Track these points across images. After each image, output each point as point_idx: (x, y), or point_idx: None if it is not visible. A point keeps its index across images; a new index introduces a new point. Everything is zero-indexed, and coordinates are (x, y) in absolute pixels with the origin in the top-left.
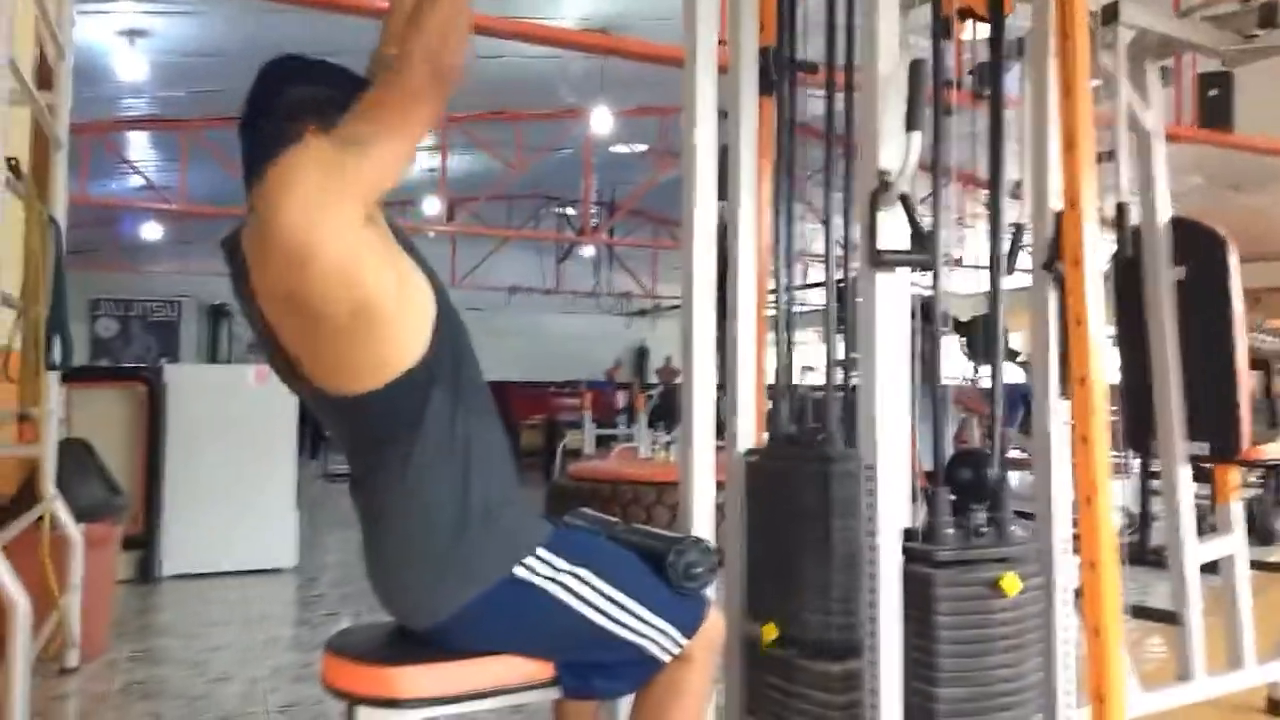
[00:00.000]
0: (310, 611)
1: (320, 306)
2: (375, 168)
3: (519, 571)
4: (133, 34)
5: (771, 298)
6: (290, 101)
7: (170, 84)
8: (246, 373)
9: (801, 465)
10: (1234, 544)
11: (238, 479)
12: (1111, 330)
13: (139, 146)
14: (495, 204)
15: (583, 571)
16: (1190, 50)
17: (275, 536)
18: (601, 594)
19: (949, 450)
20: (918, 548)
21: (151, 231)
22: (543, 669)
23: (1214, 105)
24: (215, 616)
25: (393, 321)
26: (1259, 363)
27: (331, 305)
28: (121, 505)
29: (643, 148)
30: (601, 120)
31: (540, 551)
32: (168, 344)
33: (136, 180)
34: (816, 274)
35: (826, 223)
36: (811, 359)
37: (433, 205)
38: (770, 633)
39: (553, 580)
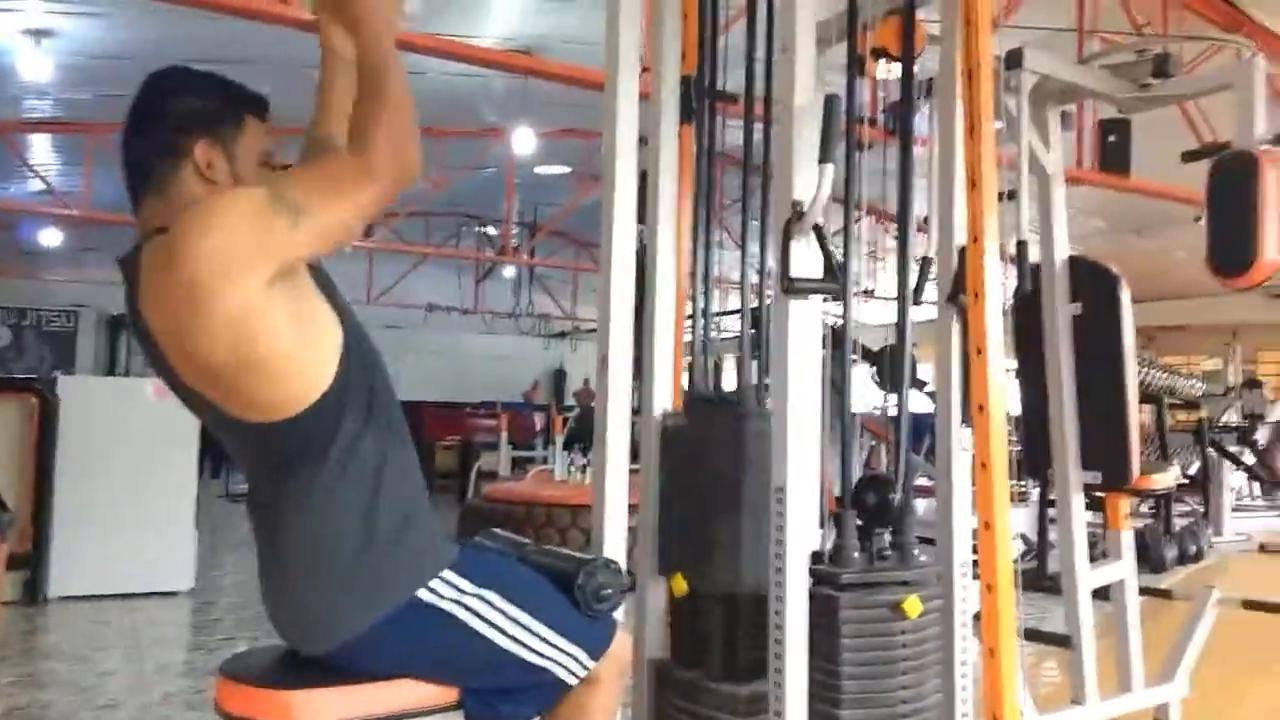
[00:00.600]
0: (206, 636)
1: (206, 353)
2: (304, 237)
3: (424, 594)
4: (39, 34)
5: (690, 323)
6: (179, 113)
7: (76, 86)
8: (145, 386)
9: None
10: (1124, 570)
11: (133, 497)
12: (1013, 363)
13: (41, 149)
14: (414, 221)
15: (489, 594)
16: (1089, 97)
17: (172, 558)
18: (508, 617)
19: (857, 475)
20: (824, 570)
21: (50, 238)
22: (446, 693)
23: (1113, 151)
24: (105, 640)
25: (288, 368)
26: (1152, 398)
27: (218, 356)
28: (8, 522)
29: (565, 170)
30: (524, 141)
31: (446, 574)
32: (63, 355)
33: (36, 184)
34: (736, 301)
35: (743, 250)
36: (730, 384)
37: None
38: (680, 585)
39: (458, 603)
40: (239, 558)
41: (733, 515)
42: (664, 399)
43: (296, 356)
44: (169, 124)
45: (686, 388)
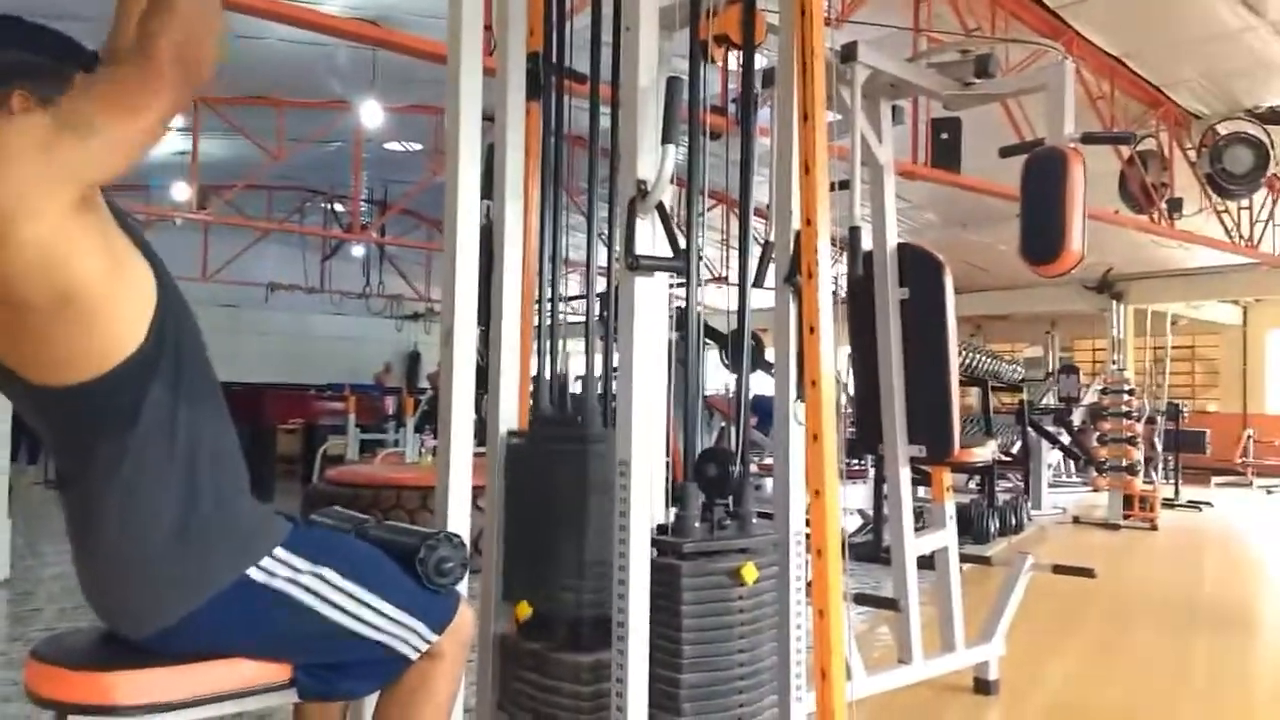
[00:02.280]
0: (24, 627)
1: (16, 291)
2: (98, 154)
3: (254, 574)
4: None
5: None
6: (2, 61)
7: None
8: None
9: (560, 445)
10: (946, 538)
11: None
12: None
13: None
14: (255, 194)
15: (325, 571)
16: (918, 93)
17: None
18: (345, 593)
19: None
20: (667, 540)
21: None
22: (279, 670)
23: (943, 148)
24: None
25: (102, 310)
26: (977, 381)
27: (31, 290)
28: None
29: (417, 146)
30: (372, 114)
31: (278, 552)
32: None
33: None
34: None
35: (589, 230)
36: (581, 369)
37: (181, 191)
38: (524, 610)
39: (292, 582)
40: (59, 547)
41: (577, 541)
42: (509, 418)
43: (109, 299)
44: None
45: (533, 393)
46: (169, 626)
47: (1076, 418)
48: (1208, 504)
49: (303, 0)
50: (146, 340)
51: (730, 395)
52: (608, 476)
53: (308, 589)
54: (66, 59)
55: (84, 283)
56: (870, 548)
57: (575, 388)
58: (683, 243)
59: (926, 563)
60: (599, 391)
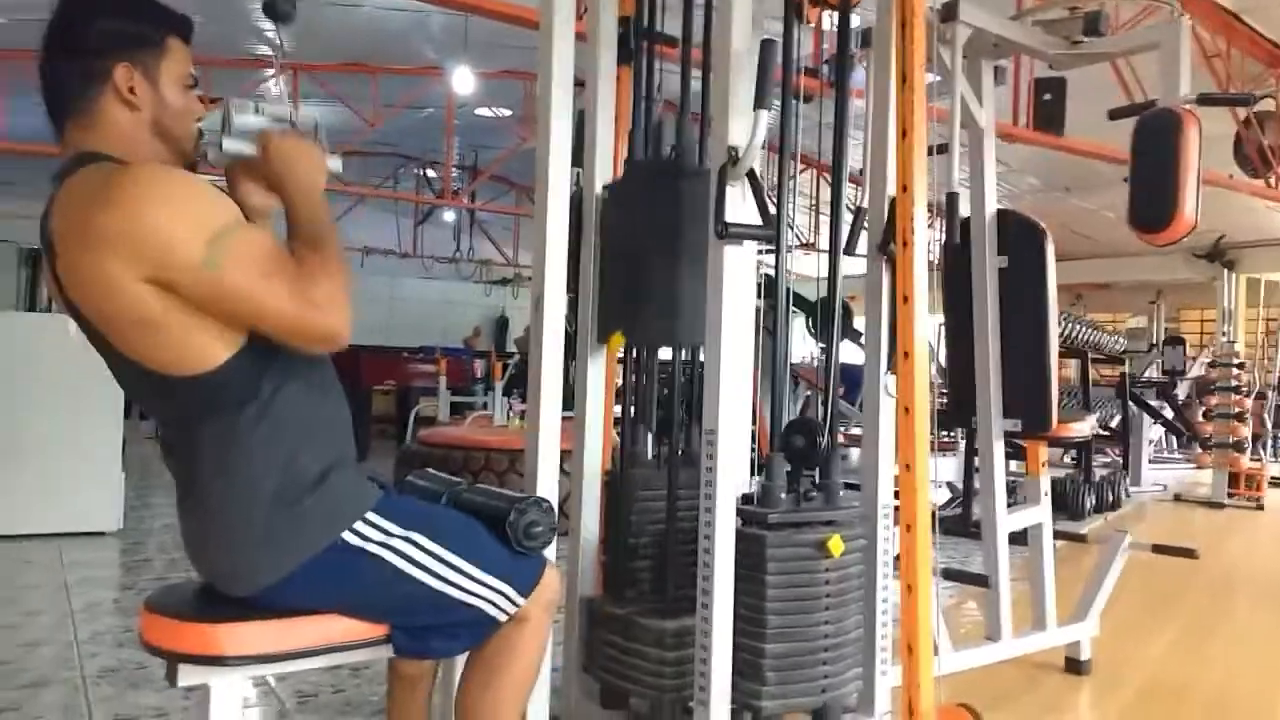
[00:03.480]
0: (135, 576)
1: (120, 311)
2: (200, 289)
3: (349, 538)
4: None
5: None
6: (97, 35)
7: None
8: (69, 324)
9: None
10: (1040, 514)
11: (57, 437)
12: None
13: None
14: (350, 161)
15: (416, 535)
16: (1021, 52)
17: (98, 498)
18: (436, 557)
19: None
20: (752, 510)
21: None
22: (374, 628)
23: (1047, 110)
24: (30, 580)
25: (202, 323)
26: (1077, 352)
27: (134, 311)
28: None
29: (507, 112)
30: (463, 81)
31: (371, 516)
32: None
33: None
34: None
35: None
36: None
37: None
38: (617, 342)
39: (385, 545)
40: (168, 499)
41: (672, 268)
42: (604, 172)
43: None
44: (87, 47)
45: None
46: (268, 586)
47: (1181, 391)
48: None
49: None
50: (249, 336)
51: (816, 363)
52: (701, 210)
53: (399, 553)
54: (159, 25)
55: (182, 310)
56: (959, 522)
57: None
58: (772, 209)
59: (1018, 538)
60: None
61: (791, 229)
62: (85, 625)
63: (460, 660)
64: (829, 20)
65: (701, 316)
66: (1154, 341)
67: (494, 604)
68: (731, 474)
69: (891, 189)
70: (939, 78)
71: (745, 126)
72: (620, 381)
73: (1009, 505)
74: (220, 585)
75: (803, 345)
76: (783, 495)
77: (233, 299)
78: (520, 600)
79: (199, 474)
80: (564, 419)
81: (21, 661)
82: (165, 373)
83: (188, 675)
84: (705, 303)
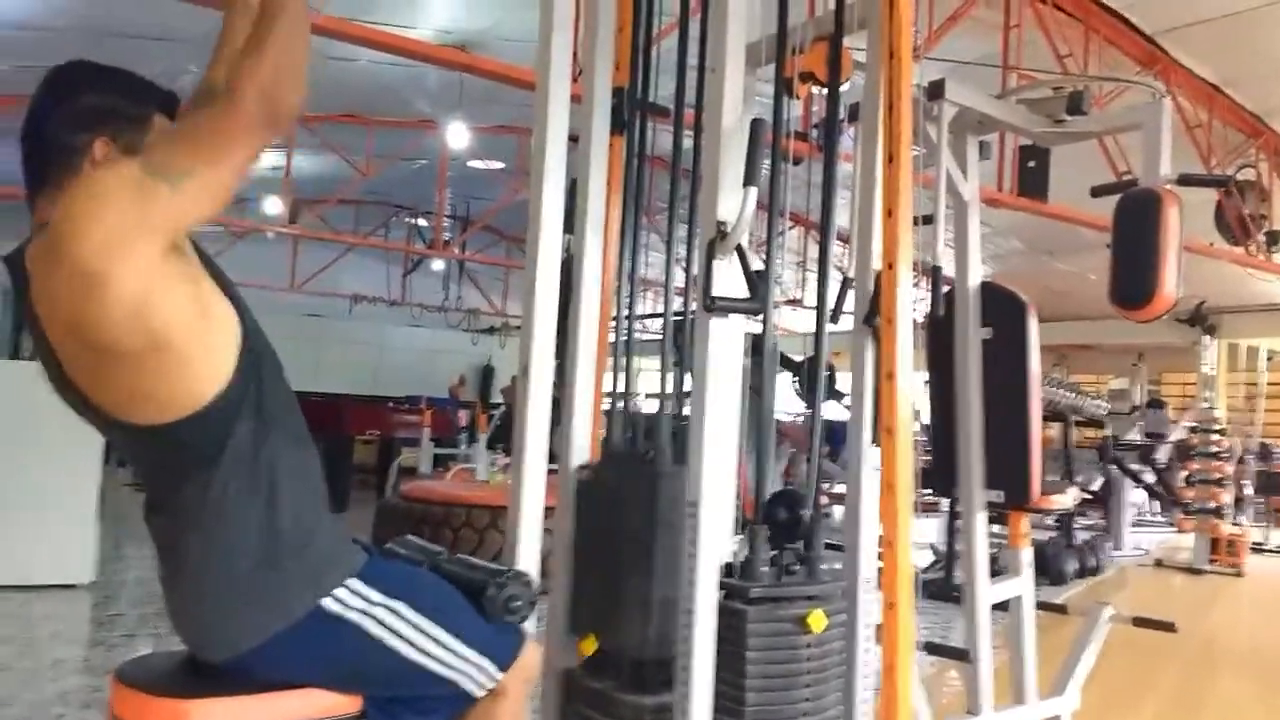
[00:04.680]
0: (106, 632)
1: (110, 338)
2: (187, 201)
3: (328, 604)
4: None
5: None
6: (80, 111)
7: None
8: None
9: (630, 478)
10: (1022, 586)
11: (34, 485)
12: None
13: None
14: (343, 209)
15: (397, 605)
16: (1006, 129)
17: (72, 549)
18: (416, 628)
19: (775, 485)
20: (734, 583)
21: None
22: (349, 703)
23: (1030, 176)
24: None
25: (191, 355)
26: (1059, 416)
27: (123, 338)
28: None
29: (500, 165)
30: (458, 135)
31: (353, 583)
32: None
33: None
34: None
35: (668, 262)
36: (655, 385)
37: (274, 205)
38: (589, 646)
39: (365, 614)
40: (143, 551)
41: (644, 578)
42: (582, 450)
43: (197, 343)
44: (69, 122)
45: (605, 427)
46: (246, 652)
47: (1162, 455)
48: None
49: (394, 26)
50: (232, 379)
51: (801, 421)
52: (677, 513)
53: (380, 621)
54: (143, 101)
55: (173, 329)
56: (941, 586)
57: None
58: (759, 267)
59: (1000, 605)
60: (671, 421)
61: (779, 286)
62: (53, 684)
63: None
64: (819, 91)
65: (674, 623)
66: (1136, 404)
67: (471, 678)
68: (714, 547)
69: (877, 262)
70: (924, 151)
71: (734, 202)
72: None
73: (991, 573)
74: (199, 650)
75: (786, 401)
76: (765, 569)
77: (213, 183)
78: (498, 675)
79: (181, 531)
80: (549, 472)
81: None
82: (144, 422)
83: None
84: (680, 610)
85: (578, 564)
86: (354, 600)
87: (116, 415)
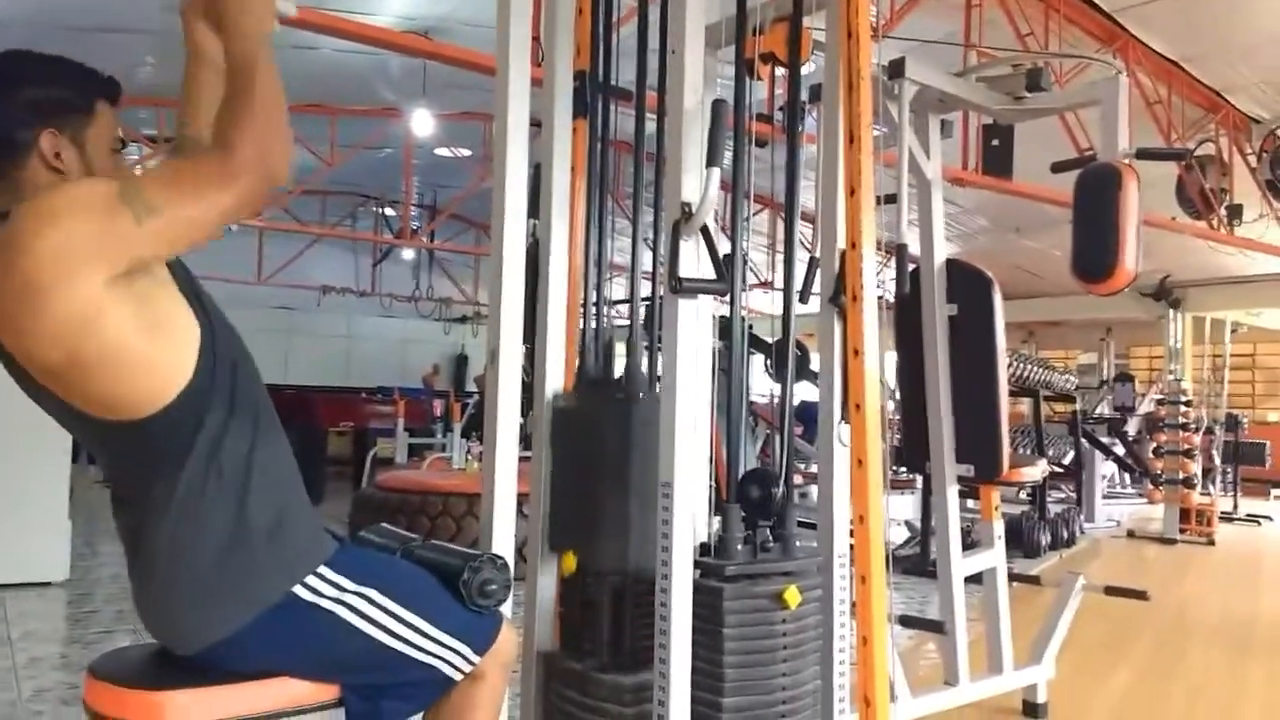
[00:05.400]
0: (82, 629)
1: (43, 353)
2: (148, 237)
3: (300, 592)
4: None
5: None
6: (20, 104)
7: None
8: None
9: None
10: (994, 558)
11: (3, 484)
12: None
13: None
14: (308, 200)
15: (370, 591)
16: (967, 108)
17: (45, 547)
18: (390, 614)
19: (750, 465)
20: (709, 562)
21: None
22: (325, 691)
23: (995, 155)
24: None
25: (140, 365)
26: (1029, 391)
27: (63, 351)
28: None
29: (467, 152)
30: (422, 122)
31: (324, 571)
32: None
33: None
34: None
35: (634, 244)
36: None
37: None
38: (570, 563)
39: (338, 601)
40: (115, 547)
41: (620, 495)
42: (556, 380)
43: (141, 358)
44: (13, 115)
45: (578, 370)
46: (219, 642)
47: (1132, 428)
48: (1268, 518)
49: (356, 14)
50: (194, 379)
51: (775, 402)
52: (649, 434)
53: (353, 609)
54: (86, 90)
55: (117, 346)
56: (917, 561)
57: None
58: (726, 250)
59: (974, 578)
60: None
61: (749, 267)
62: (29, 681)
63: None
64: (781, 73)
65: (651, 541)
66: (1104, 378)
67: (449, 663)
68: (688, 526)
69: (841, 241)
70: (886, 130)
71: (698, 183)
72: None
73: (964, 547)
74: (170, 643)
75: (761, 382)
76: (739, 546)
77: (184, 225)
78: (476, 659)
79: (149, 526)
80: (521, 459)
81: None
82: (108, 418)
83: None
84: (655, 529)
85: (555, 487)
86: (326, 588)
87: (79, 411)
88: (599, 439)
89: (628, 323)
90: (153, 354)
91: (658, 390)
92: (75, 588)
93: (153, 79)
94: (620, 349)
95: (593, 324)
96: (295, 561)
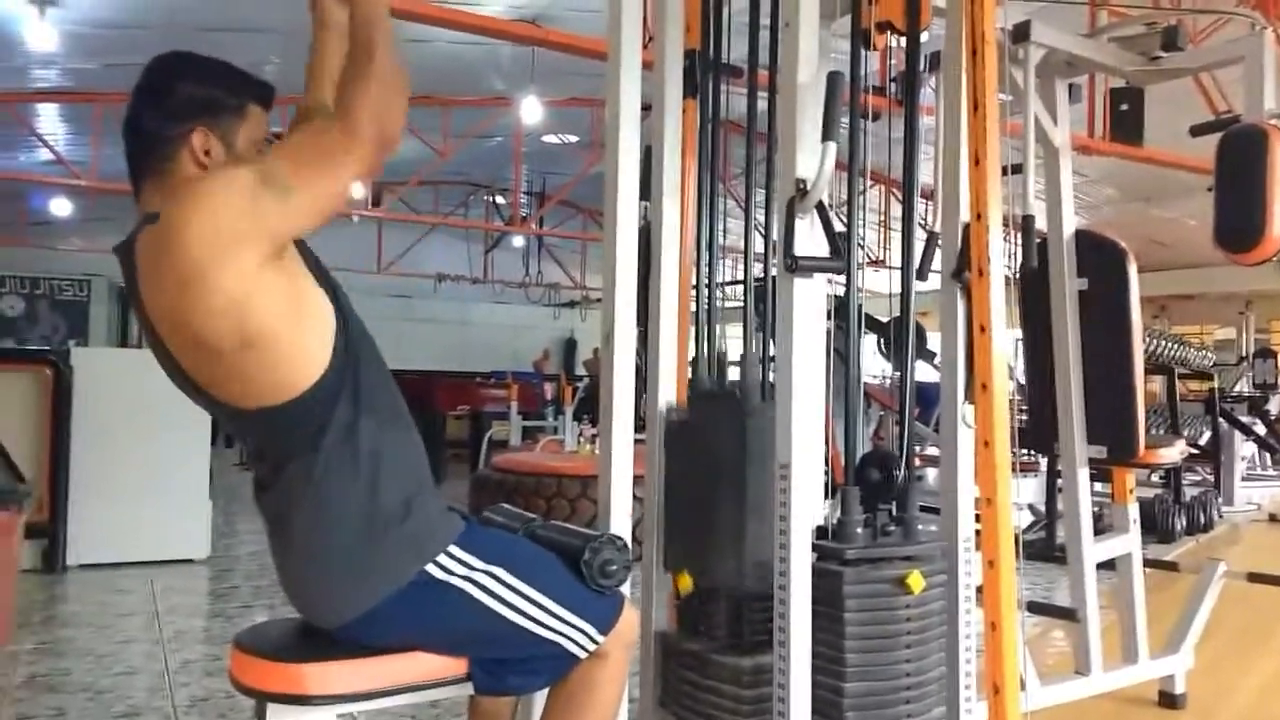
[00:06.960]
0: (223, 603)
1: (207, 336)
2: (293, 214)
3: (432, 570)
4: (43, 3)
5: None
6: (179, 100)
7: (83, 55)
8: None
9: (718, 416)
10: (1129, 543)
11: (148, 467)
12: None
13: (48, 119)
14: (423, 190)
15: (498, 570)
16: (1097, 70)
17: (187, 526)
18: (517, 592)
19: (864, 448)
20: (828, 545)
21: (60, 207)
22: (456, 665)
23: (1124, 120)
24: (123, 608)
25: (286, 349)
26: (1162, 368)
27: (219, 337)
28: (24, 492)
29: (574, 139)
30: (531, 110)
31: (453, 549)
32: (76, 325)
33: (45, 154)
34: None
35: (746, 225)
36: (738, 352)
37: (358, 189)
38: (685, 583)
39: (468, 579)
40: (254, 526)
41: (737, 512)
42: (668, 393)
43: (293, 337)
44: (168, 111)
45: (691, 374)
46: (356, 618)
47: (1273, 406)
48: None
49: (467, 5)
50: (329, 367)
51: (888, 383)
52: (766, 448)
53: (482, 586)
54: (239, 91)
55: (267, 328)
56: (1043, 546)
57: (732, 373)
58: (841, 229)
59: (1106, 564)
60: (759, 369)
61: (861, 247)
62: (176, 654)
63: (538, 698)
64: (896, 42)
65: (767, 559)
66: (1243, 354)
67: (574, 640)
68: (806, 509)
69: (965, 214)
70: (1011, 97)
71: (813, 158)
72: None
73: (1096, 532)
74: (312, 618)
75: (873, 363)
76: (859, 530)
77: (320, 198)
78: (600, 638)
79: (289, 508)
80: (636, 442)
81: (118, 690)
82: (250, 406)
83: (276, 714)
84: (769, 544)
85: (670, 502)
86: (456, 566)
87: (222, 400)
88: (714, 455)
89: (739, 304)
90: (299, 334)
91: (772, 380)
92: (216, 564)
93: (276, 78)
94: (731, 331)
95: (704, 311)
96: (427, 540)
